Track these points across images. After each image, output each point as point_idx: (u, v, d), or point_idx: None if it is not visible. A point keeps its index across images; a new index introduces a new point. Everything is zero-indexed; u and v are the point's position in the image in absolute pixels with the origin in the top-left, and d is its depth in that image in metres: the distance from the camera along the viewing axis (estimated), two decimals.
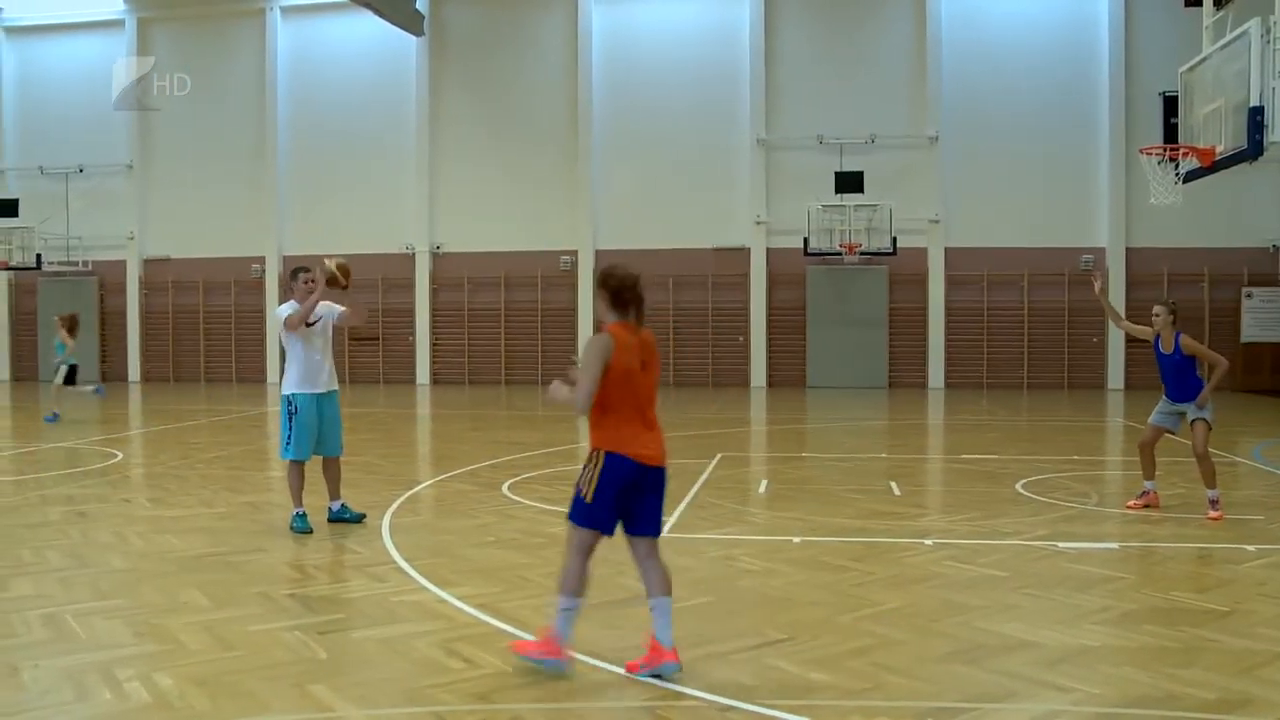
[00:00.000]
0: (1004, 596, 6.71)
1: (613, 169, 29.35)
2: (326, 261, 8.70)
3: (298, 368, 8.80)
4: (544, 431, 18.10)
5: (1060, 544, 8.22)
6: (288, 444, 8.78)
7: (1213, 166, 13.40)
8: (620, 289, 5.22)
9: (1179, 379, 9.64)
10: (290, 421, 8.73)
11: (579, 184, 29.31)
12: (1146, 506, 9.80)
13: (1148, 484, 9.94)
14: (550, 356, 29.61)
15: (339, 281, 8.61)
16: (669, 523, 9.03)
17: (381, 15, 27.66)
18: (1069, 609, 6.42)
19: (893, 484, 11.45)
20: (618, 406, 5.18)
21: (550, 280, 29.82)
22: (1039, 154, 27.66)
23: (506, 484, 11.28)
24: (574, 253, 29.55)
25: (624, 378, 5.15)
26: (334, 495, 9.18)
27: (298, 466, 8.86)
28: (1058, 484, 11.39)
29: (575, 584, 5.37)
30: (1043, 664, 5.43)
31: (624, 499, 5.28)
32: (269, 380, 30.74)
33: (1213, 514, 9.31)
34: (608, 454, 5.23)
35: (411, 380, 30.31)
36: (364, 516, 9.22)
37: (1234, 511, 9.66)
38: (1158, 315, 9.77)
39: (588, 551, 5.38)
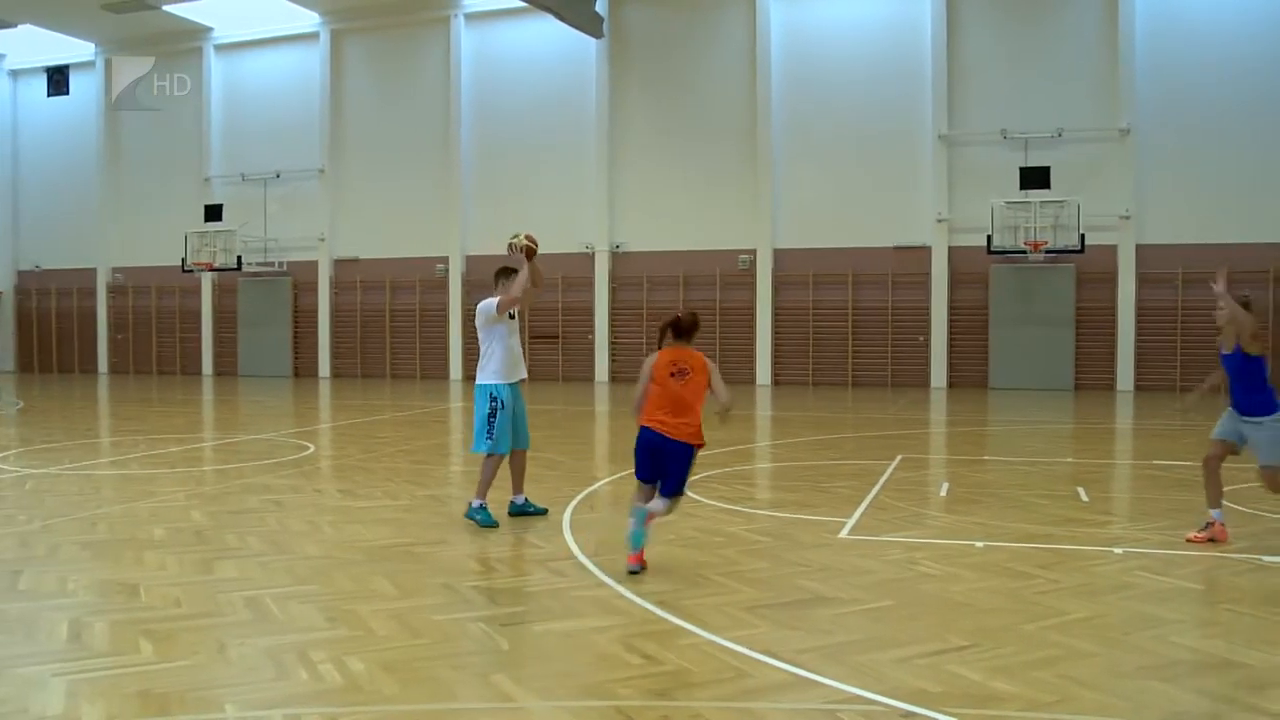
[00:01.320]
0: (1202, 611, 6.42)
1: (792, 167, 29.21)
2: (517, 240, 8.84)
3: (499, 358, 8.94)
4: (726, 430, 18.16)
5: (1266, 558, 7.79)
6: (489, 436, 8.86)
7: None
8: (664, 328, 7.60)
9: (1241, 385, 8.13)
10: (494, 414, 8.87)
11: (758, 183, 29.26)
12: (1211, 540, 8.23)
13: (1214, 513, 8.35)
14: (727, 354, 29.65)
15: (532, 251, 8.77)
16: (848, 524, 9.01)
17: (561, 18, 28.18)
18: (1274, 628, 6.08)
19: (1080, 490, 11.06)
20: (655, 400, 7.41)
21: (729, 279, 29.86)
22: (1246, 141, 26.23)
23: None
24: (752, 251, 29.52)
25: (660, 382, 7.43)
26: (518, 489, 9.33)
27: (495, 460, 8.97)
28: (1260, 494, 10.80)
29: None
30: (1248, 686, 5.15)
31: (655, 460, 7.42)
32: (451, 377, 31.71)
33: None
34: (641, 426, 7.48)
35: (590, 378, 30.81)
36: (546, 511, 9.43)
37: None
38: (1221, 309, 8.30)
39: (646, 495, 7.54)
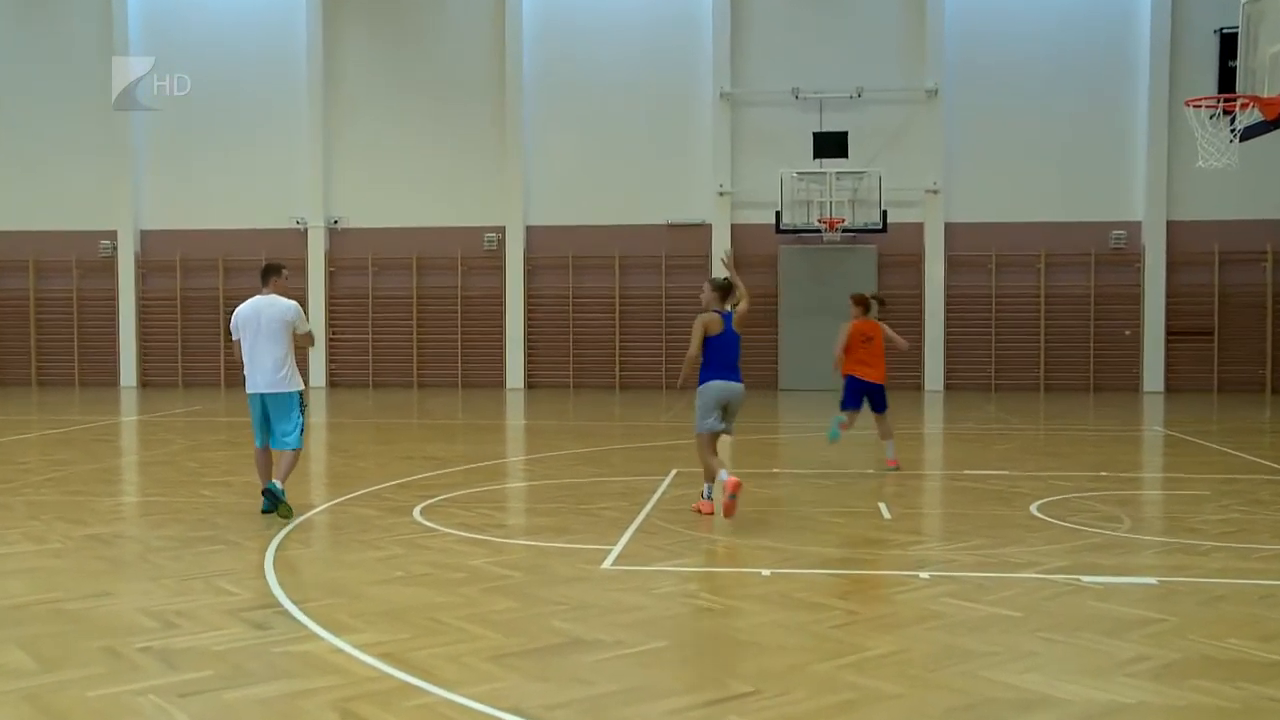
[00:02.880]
0: (1018, 641, 6.74)
1: (548, 130, 29.45)
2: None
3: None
4: (465, 444, 18.03)
5: (1085, 578, 8.26)
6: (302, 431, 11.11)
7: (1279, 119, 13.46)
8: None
9: None
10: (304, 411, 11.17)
11: (507, 148, 29.39)
12: None
13: None
14: (472, 351, 29.57)
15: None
16: (613, 552, 9.11)
17: None
18: (1098, 657, 6.44)
19: (882, 505, 11.50)
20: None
21: (473, 263, 29.77)
22: (1062, 110, 27.98)
23: (418, 508, 11.23)
24: (500, 229, 29.55)
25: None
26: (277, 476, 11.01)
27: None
28: (1081, 505, 11.48)
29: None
30: None
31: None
32: (123, 383, 30.44)
33: None
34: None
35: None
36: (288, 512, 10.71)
37: None
38: None
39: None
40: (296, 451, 11.04)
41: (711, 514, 10.70)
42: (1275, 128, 13.65)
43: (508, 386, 29.61)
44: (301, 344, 11.18)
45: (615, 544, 9.45)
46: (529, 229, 29.50)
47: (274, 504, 10.69)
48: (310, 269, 30.19)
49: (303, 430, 11.11)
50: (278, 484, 10.72)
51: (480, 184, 29.65)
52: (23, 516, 11.08)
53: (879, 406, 14.50)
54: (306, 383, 11.54)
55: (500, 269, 29.66)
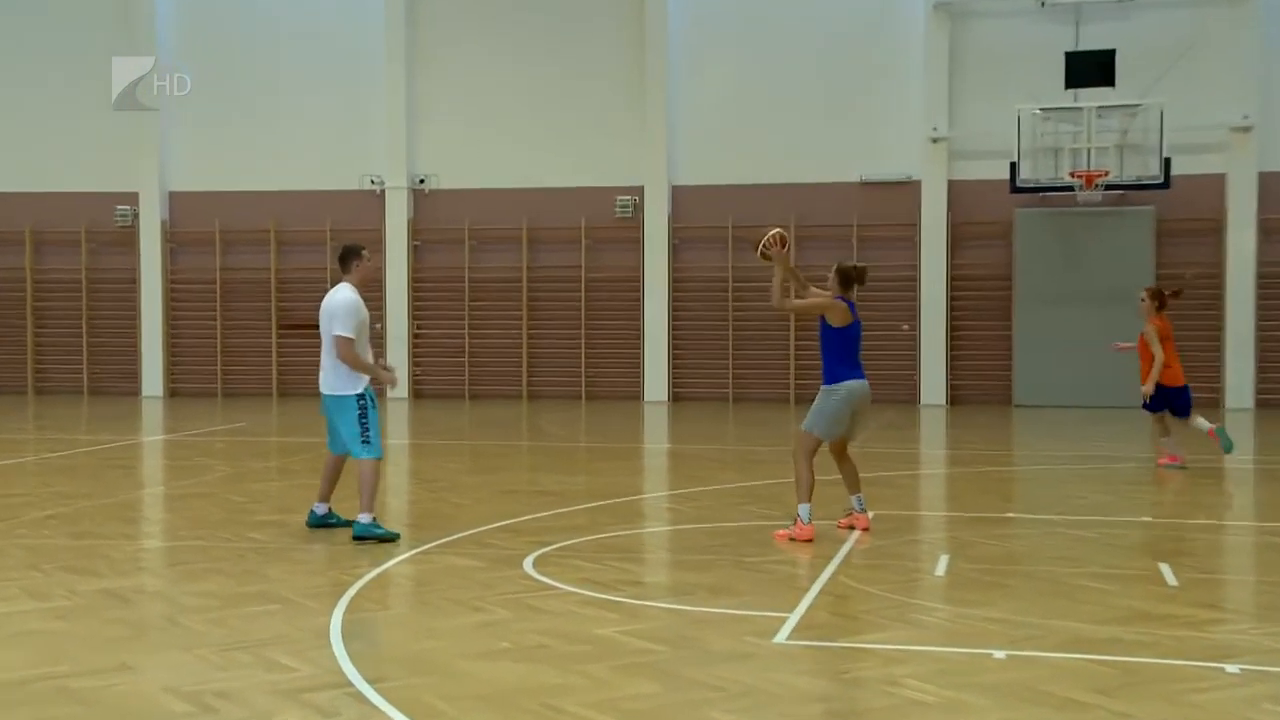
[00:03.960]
0: None
1: (701, 60, 29.59)
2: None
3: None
4: (590, 474, 18.14)
5: None
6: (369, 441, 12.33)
7: None
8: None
9: None
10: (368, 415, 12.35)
11: (647, 84, 29.71)
12: None
13: None
14: (601, 352, 29.73)
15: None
16: (790, 621, 9.03)
17: None
18: None
19: (1164, 567, 11.22)
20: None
21: (601, 234, 29.98)
22: None
23: (530, 558, 11.29)
24: (638, 190, 29.67)
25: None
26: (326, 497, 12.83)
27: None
28: None
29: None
30: None
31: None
32: (145, 392, 31.14)
33: None
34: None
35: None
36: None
37: None
38: None
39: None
40: (374, 464, 12.35)
41: (809, 540, 11.95)
42: None
43: (646, 399, 29.72)
44: (340, 353, 12.23)
45: (793, 610, 9.37)
46: (675, 190, 29.58)
47: (320, 522, 12.76)
48: (389, 242, 30.73)
49: (368, 436, 12.37)
50: (321, 509, 12.84)
51: (611, 132, 29.87)
52: (19, 565, 11.35)
53: (1185, 410, 16.71)
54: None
55: (637, 242, 29.79)
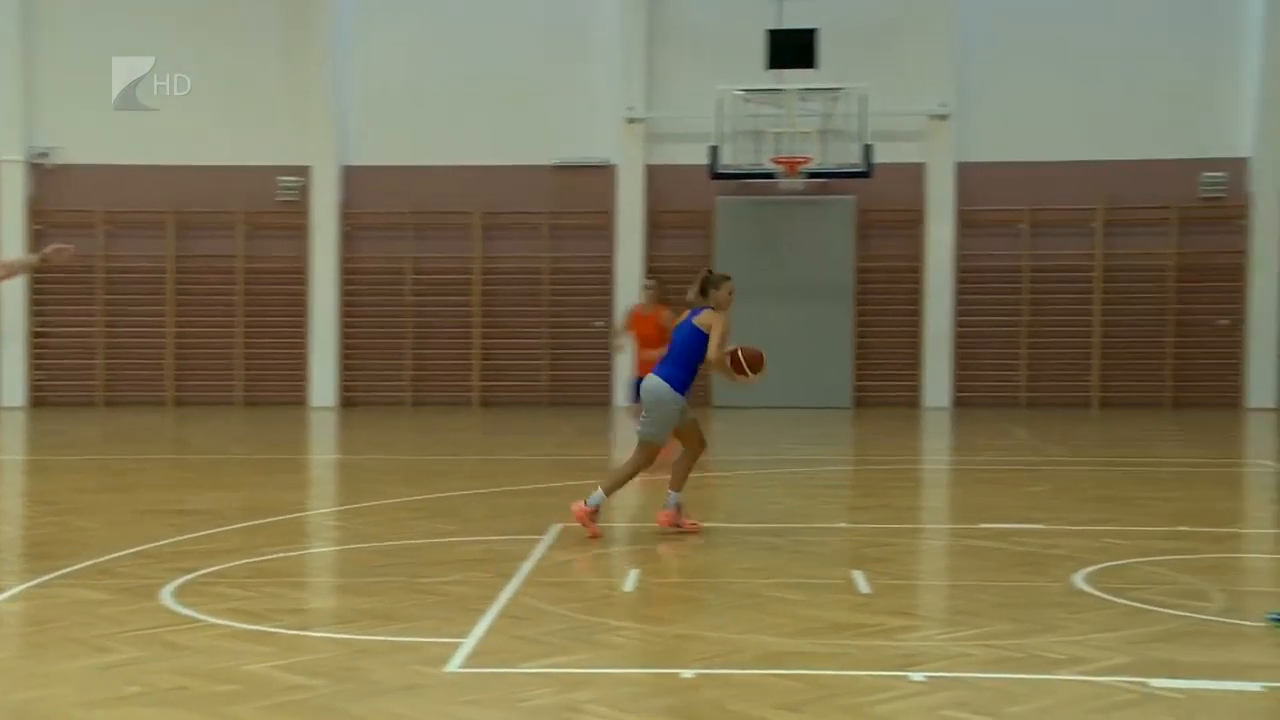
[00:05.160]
0: None
1: (372, 26, 29.34)
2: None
3: None
4: (244, 489, 17.83)
5: (1155, 681, 8.27)
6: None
7: None
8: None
9: None
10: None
11: (313, 53, 29.41)
12: None
13: None
14: (261, 353, 29.33)
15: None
16: (463, 648, 8.92)
17: None
18: None
19: (858, 574, 11.47)
20: None
21: (261, 219, 29.59)
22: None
23: (169, 587, 10.96)
24: (303, 171, 29.36)
25: None
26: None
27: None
28: (1150, 575, 11.55)
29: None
30: None
31: None
32: (315, 402, 30.27)
33: None
34: None
35: None
36: None
37: None
38: None
39: None
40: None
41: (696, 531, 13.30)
42: None
43: (313, 404, 29.44)
44: None
45: (468, 635, 9.25)
46: (347, 171, 29.35)
47: None
48: (2, 222, 29.86)
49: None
50: None
51: (273, 106, 29.55)
52: None
53: None
54: None
55: (303, 228, 29.48)
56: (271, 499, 16.86)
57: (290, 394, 29.68)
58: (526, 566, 11.82)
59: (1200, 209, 28.44)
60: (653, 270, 28.12)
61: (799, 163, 26.80)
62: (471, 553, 12.67)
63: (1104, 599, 10.58)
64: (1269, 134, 28.02)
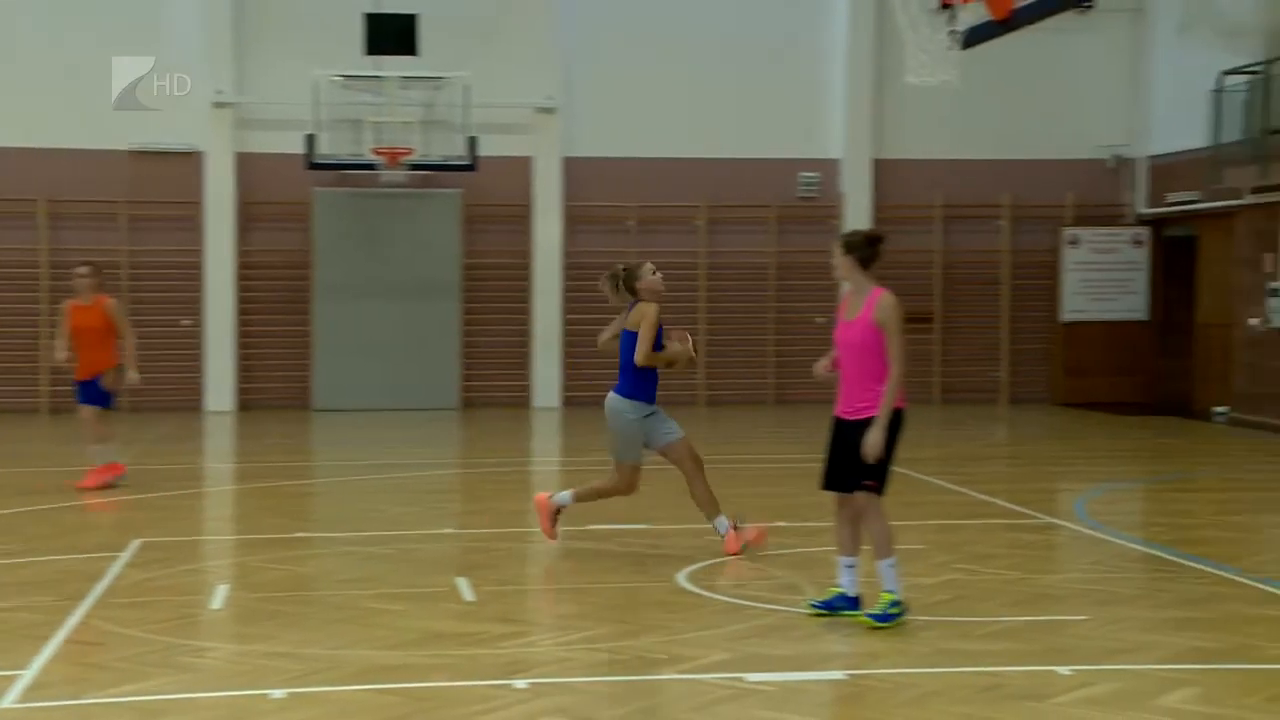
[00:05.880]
0: None
1: None
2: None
3: None
4: None
5: (750, 676, 8.48)
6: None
7: (1011, 19, 14.15)
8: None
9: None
10: None
11: None
12: None
13: None
14: None
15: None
16: (23, 679, 8.62)
17: None
18: None
19: (461, 582, 11.57)
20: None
21: None
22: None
23: None
24: None
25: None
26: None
27: None
28: (748, 572, 11.90)
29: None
30: None
31: None
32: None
33: None
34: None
35: None
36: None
37: (1049, 609, 10.47)
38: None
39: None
40: None
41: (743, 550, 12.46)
42: (1008, 29, 14.35)
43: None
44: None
45: (27, 667, 8.91)
46: None
47: None
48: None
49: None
50: None
51: None
52: None
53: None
54: None
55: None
56: None
57: None
58: (100, 586, 11.49)
59: (798, 208, 29.21)
60: (248, 263, 27.83)
61: (401, 154, 26.56)
62: (35, 574, 12.30)
63: (706, 597, 10.95)
64: (856, 137, 29.01)
